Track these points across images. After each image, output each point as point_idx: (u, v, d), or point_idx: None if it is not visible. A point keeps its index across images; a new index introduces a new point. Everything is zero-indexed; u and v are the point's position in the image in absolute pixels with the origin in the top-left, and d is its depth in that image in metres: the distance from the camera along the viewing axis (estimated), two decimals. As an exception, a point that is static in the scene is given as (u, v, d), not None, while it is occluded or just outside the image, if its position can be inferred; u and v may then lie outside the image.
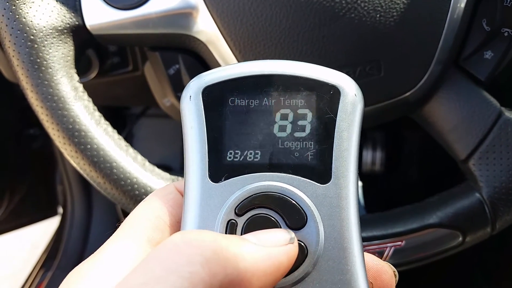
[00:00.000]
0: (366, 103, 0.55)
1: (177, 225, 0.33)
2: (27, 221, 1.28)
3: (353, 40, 0.53)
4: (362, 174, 0.94)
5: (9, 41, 0.51)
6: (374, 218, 0.59)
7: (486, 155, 0.56)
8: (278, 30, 0.53)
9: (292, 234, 0.30)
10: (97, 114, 0.54)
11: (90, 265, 0.29)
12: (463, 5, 0.54)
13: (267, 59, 0.53)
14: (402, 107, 0.57)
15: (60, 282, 0.29)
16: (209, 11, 0.54)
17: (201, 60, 0.59)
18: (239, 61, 0.55)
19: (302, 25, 0.53)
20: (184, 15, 0.54)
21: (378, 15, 0.53)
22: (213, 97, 0.33)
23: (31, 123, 1.16)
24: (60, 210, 1.29)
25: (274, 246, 0.29)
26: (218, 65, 0.56)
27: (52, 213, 1.33)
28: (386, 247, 0.57)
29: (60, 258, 1.17)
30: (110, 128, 0.55)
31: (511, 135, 0.55)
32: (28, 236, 1.83)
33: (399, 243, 0.57)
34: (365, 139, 0.94)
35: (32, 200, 1.25)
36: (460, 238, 0.57)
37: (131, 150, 0.55)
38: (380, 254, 0.57)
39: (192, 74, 0.59)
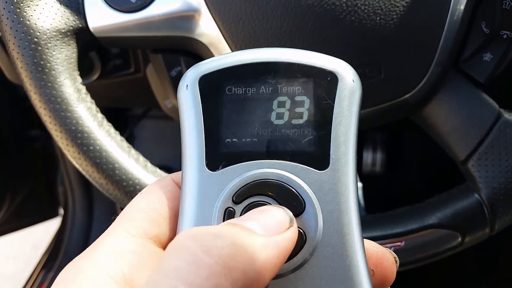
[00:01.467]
0: (366, 105, 0.56)
1: (174, 218, 0.33)
2: (28, 222, 1.29)
3: (353, 43, 0.54)
4: (362, 175, 0.94)
5: (13, 43, 0.51)
6: (373, 219, 0.59)
7: (485, 156, 0.56)
8: (279, 33, 0.54)
9: (289, 212, 0.30)
10: (100, 115, 0.55)
11: (87, 261, 0.29)
12: (462, 7, 0.54)
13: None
14: (402, 109, 0.58)
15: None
16: (211, 14, 0.54)
17: (203, 62, 0.60)
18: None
19: (302, 28, 0.53)
20: (187, 18, 0.55)
21: (378, 18, 0.53)
22: (210, 86, 0.33)
23: (33, 124, 1.17)
24: (61, 211, 1.30)
25: (279, 233, 0.28)
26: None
27: (53, 214, 1.33)
28: (386, 247, 0.58)
29: (61, 259, 1.17)
30: (112, 130, 0.55)
31: (510, 137, 0.55)
32: (30, 237, 1.83)
33: (399, 243, 0.57)
34: (366, 140, 0.94)
35: (34, 201, 1.25)
36: (459, 239, 0.57)
37: (133, 151, 0.55)
38: (380, 254, 0.57)
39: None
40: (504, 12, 0.55)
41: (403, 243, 0.58)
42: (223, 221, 0.32)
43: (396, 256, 0.36)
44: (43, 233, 1.53)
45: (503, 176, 0.55)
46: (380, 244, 0.57)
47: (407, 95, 0.56)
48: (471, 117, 0.57)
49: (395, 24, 0.54)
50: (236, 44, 0.55)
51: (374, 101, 0.56)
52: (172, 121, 0.73)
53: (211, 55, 0.56)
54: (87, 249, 0.30)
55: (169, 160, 1.07)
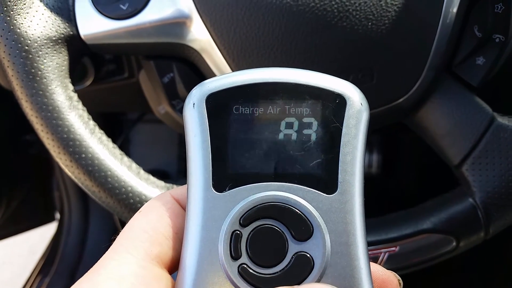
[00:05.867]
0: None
1: (176, 237, 0.33)
2: (24, 226, 1.28)
3: (345, 48, 0.54)
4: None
5: (4, 51, 0.51)
6: (368, 224, 0.59)
7: (479, 160, 0.56)
8: (271, 39, 0.53)
9: None
10: (92, 123, 0.55)
11: (89, 285, 0.29)
12: (455, 10, 0.54)
13: (260, 67, 0.54)
14: (395, 113, 0.57)
15: (57, 288, 0.29)
16: (203, 20, 0.54)
17: (195, 69, 0.59)
18: (232, 69, 0.55)
19: (294, 33, 0.53)
20: (178, 25, 0.55)
21: (370, 23, 0.53)
22: (217, 104, 0.32)
23: (27, 129, 1.16)
24: (58, 215, 1.29)
25: None
26: (212, 73, 0.56)
27: (49, 219, 1.33)
28: (381, 252, 0.57)
29: (58, 264, 1.17)
30: (104, 137, 0.55)
31: (503, 141, 0.55)
32: (26, 241, 1.82)
33: (393, 248, 0.57)
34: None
35: (30, 206, 1.25)
36: (454, 243, 0.57)
37: (125, 158, 0.55)
38: (374, 259, 0.57)
39: (186, 83, 0.60)
40: (496, 16, 0.55)
41: (397, 248, 0.57)
42: (230, 243, 0.31)
43: (400, 278, 0.36)
44: (39, 238, 1.53)
45: (497, 181, 0.55)
46: (375, 249, 0.57)
47: (400, 100, 0.56)
48: (465, 121, 0.56)
49: (387, 29, 0.53)
50: (228, 50, 0.54)
51: (367, 106, 0.56)
52: (167, 126, 0.73)
53: (203, 61, 0.56)
54: (89, 272, 0.30)
55: (164, 164, 1.07)
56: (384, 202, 1.07)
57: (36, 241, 1.74)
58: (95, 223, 1.18)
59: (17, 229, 1.25)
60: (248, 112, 0.33)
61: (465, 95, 0.57)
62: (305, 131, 0.32)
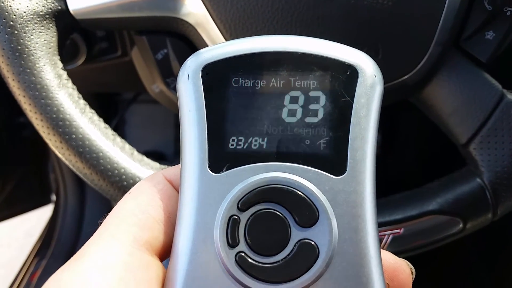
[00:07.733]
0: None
1: (168, 221, 0.30)
2: (20, 209, 1.27)
3: (349, 22, 0.51)
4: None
5: (-13, 27, 0.49)
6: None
7: (488, 139, 0.54)
8: (270, 11, 0.51)
9: None
10: (82, 102, 0.52)
11: (70, 275, 0.26)
12: (463, -17, 0.52)
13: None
14: (400, 90, 0.55)
15: (54, 271, 0.27)
16: (198, -8, 0.52)
17: (190, 44, 0.57)
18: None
19: (295, 5, 0.51)
20: (171, -3, 0.52)
21: (375, -5, 0.50)
22: (214, 76, 0.30)
23: (21, 111, 1.14)
24: (54, 198, 1.28)
25: None
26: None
27: (45, 201, 1.32)
28: (385, 234, 0.56)
29: (54, 246, 1.16)
30: (96, 117, 0.52)
31: (514, 119, 0.53)
32: (22, 224, 1.82)
33: (398, 230, 0.56)
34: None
35: (25, 188, 1.23)
36: (461, 225, 0.55)
37: (118, 139, 0.53)
38: (378, 242, 0.56)
39: (181, 59, 0.57)
40: (508, -13, 0.52)
41: (402, 230, 0.56)
42: (227, 229, 0.29)
43: (412, 267, 0.33)
44: (35, 220, 1.52)
45: (506, 160, 0.53)
46: (379, 231, 0.56)
47: (406, 76, 0.54)
48: (473, 98, 0.54)
49: (393, 2, 0.51)
50: (224, 24, 0.52)
51: (371, 83, 0.53)
52: (163, 106, 0.71)
53: (199, 36, 0.53)
54: (72, 259, 0.27)
55: (160, 145, 1.05)
56: (384, 181, 1.06)
57: (33, 223, 1.74)
58: (91, 205, 1.17)
59: (13, 212, 1.24)
60: (249, 84, 0.30)
61: (474, 71, 0.55)
62: (312, 106, 0.30)
